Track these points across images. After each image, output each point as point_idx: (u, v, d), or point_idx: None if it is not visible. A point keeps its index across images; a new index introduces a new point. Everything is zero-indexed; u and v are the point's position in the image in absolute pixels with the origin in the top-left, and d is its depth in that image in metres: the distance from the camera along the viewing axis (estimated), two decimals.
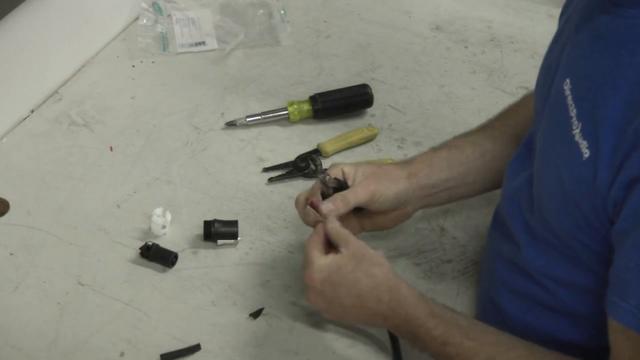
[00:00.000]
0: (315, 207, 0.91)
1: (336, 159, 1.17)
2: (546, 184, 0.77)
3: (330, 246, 0.88)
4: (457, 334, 0.79)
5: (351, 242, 0.85)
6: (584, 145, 0.69)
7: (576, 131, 0.70)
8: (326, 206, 0.89)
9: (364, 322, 0.88)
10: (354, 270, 0.83)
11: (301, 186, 1.13)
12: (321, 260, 0.85)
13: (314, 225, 0.91)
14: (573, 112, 0.72)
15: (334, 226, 0.87)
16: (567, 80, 0.75)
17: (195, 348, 0.92)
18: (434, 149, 1.00)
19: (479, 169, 0.97)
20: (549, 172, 0.76)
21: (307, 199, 0.93)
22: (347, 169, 0.94)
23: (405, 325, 0.82)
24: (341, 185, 0.92)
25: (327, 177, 0.91)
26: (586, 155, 0.69)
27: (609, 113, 0.67)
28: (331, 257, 0.85)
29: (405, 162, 0.98)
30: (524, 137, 0.90)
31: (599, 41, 0.71)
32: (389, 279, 0.83)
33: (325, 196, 0.92)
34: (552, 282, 0.81)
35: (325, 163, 1.16)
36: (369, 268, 0.83)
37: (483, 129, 1.01)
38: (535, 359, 0.78)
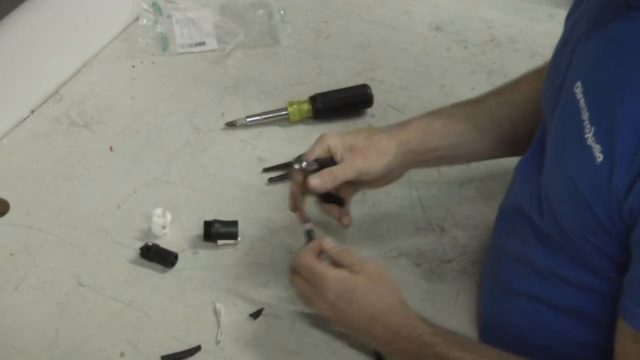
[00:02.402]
0: (299, 215, 0.95)
1: None
2: (557, 187, 0.76)
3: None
4: (458, 349, 0.80)
5: (366, 262, 0.87)
6: (596, 149, 0.68)
7: (589, 135, 0.70)
8: (315, 180, 0.89)
9: (365, 340, 0.89)
10: (370, 293, 0.85)
11: None
12: (334, 273, 0.86)
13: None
14: (585, 116, 0.71)
15: (341, 249, 0.89)
16: (578, 84, 0.73)
17: (196, 349, 0.92)
18: (431, 115, 0.98)
19: (470, 144, 0.97)
20: (560, 174, 0.75)
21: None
22: (332, 143, 0.92)
23: (408, 346, 0.82)
24: (327, 163, 0.91)
25: (304, 164, 0.91)
26: (599, 160, 0.68)
27: (627, 117, 0.66)
28: (346, 273, 0.86)
29: (399, 128, 0.96)
30: (536, 136, 0.88)
31: (614, 45, 0.70)
32: (400, 305, 0.85)
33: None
34: (559, 281, 0.80)
35: None
36: (386, 295, 0.85)
37: (477, 103, 1.00)
38: None
